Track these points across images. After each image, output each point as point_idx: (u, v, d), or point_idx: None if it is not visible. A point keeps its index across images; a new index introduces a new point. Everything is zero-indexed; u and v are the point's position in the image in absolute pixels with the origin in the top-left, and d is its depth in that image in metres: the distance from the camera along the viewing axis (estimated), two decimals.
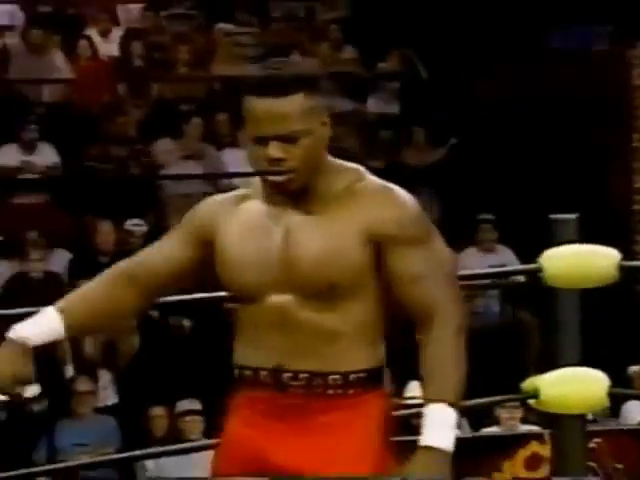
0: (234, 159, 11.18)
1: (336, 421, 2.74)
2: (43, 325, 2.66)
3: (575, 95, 10.35)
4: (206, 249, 2.72)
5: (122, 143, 10.95)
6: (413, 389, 9.59)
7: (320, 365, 2.73)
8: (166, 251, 2.75)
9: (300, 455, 2.73)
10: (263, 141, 2.52)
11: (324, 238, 2.65)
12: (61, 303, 2.65)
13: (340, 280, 2.68)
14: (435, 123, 11.87)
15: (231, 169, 11.34)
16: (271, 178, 2.58)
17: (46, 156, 10.45)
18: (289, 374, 2.70)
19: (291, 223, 2.67)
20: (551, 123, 10.39)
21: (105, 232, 10.09)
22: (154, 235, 9.95)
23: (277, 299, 2.66)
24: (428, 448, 2.59)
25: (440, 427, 2.65)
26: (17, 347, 2.66)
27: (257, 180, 2.73)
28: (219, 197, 2.83)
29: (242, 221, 2.71)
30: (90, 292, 2.73)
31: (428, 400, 2.65)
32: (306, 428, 2.73)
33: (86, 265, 10.09)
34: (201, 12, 12.59)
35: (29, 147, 10.41)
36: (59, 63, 11.44)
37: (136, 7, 12.52)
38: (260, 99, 2.53)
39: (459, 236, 9.59)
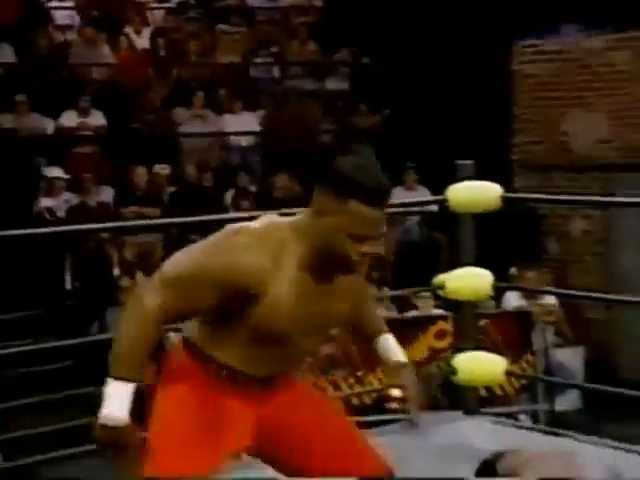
0: (230, 122, 11.25)
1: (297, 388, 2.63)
2: (127, 401, 2.36)
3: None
4: (240, 295, 2.39)
5: (151, 111, 10.79)
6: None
7: (299, 368, 2.74)
8: (197, 302, 2.41)
9: (284, 405, 2.61)
10: (362, 239, 2.32)
11: (347, 301, 2.52)
12: (130, 373, 2.34)
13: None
14: (374, 97, 11.62)
15: (228, 129, 11.31)
16: (361, 268, 2.43)
17: (96, 119, 10.37)
18: (273, 378, 2.57)
19: (328, 290, 2.46)
20: (453, 96, 10.37)
21: (139, 174, 9.97)
22: (174, 174, 10.05)
23: (301, 339, 2.48)
24: (405, 363, 2.76)
25: (396, 348, 2.82)
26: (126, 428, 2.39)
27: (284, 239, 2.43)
28: (258, 250, 2.39)
29: (291, 281, 2.40)
30: (141, 351, 2.37)
31: (380, 332, 2.79)
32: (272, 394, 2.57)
33: (126, 197, 10.01)
34: (207, 16, 12.32)
35: (84, 113, 10.28)
36: (106, 53, 11.31)
37: (161, 12, 12.40)
38: (372, 208, 2.31)
39: (390, 178, 9.61)
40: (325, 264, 2.41)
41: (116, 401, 2.33)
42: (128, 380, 2.32)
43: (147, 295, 2.37)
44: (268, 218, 2.52)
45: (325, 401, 2.88)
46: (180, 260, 2.42)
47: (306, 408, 2.69)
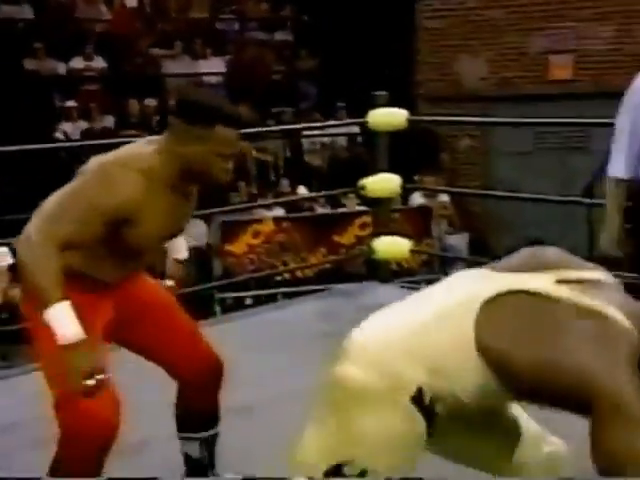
0: (203, 65, 11.01)
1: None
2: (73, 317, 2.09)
3: None
4: (119, 222, 2.21)
5: (140, 56, 10.55)
6: None
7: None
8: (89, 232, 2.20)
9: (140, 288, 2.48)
10: (228, 157, 2.23)
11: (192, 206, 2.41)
12: (60, 294, 2.08)
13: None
14: (312, 46, 11.54)
15: (200, 71, 11.08)
16: (220, 178, 2.27)
17: (98, 63, 10.17)
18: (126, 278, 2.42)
19: (184, 202, 2.36)
20: (373, 45, 10.19)
21: (133, 105, 9.87)
22: (159, 105, 10.25)
23: (158, 247, 2.44)
24: (180, 260, 2.75)
25: (180, 247, 2.74)
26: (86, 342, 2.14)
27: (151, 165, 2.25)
28: (132, 182, 2.20)
29: (160, 203, 2.24)
30: (58, 276, 2.06)
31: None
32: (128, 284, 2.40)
33: (123, 123, 9.81)
34: None
35: (89, 58, 10.08)
36: (103, 10, 11.06)
37: None
38: (234, 130, 2.21)
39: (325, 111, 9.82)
40: (189, 182, 2.30)
41: (65, 320, 2.07)
42: (62, 299, 2.06)
43: (41, 235, 2.10)
44: (136, 148, 2.30)
45: (162, 291, 2.62)
46: (66, 199, 2.17)
47: (149, 296, 2.52)
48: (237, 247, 8.51)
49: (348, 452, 1.90)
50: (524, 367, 1.84)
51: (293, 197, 8.94)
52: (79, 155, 8.73)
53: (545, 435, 2.19)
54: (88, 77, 10.10)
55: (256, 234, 8.50)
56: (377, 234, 4.86)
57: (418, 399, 1.84)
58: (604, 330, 1.83)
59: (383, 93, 4.57)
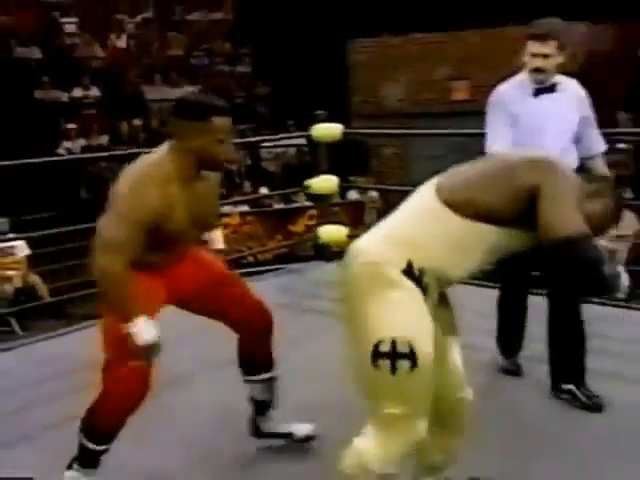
0: (178, 92, 10.40)
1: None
2: (152, 327, 2.17)
3: None
4: (156, 224, 2.14)
5: (128, 85, 10.52)
6: None
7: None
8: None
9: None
10: (227, 141, 2.13)
11: (214, 196, 2.36)
12: (137, 311, 2.15)
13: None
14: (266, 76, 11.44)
15: (178, 96, 10.84)
16: (227, 159, 2.19)
17: (94, 92, 10.16)
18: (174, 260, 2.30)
19: (202, 192, 2.25)
20: (315, 75, 10.09)
21: (123, 125, 9.90)
22: (144, 125, 9.86)
23: (191, 232, 2.25)
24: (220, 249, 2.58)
25: (217, 238, 2.58)
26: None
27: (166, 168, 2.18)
28: (156, 190, 2.14)
29: (181, 197, 2.18)
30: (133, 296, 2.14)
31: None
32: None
33: (116, 140, 9.72)
34: (162, 27, 11.95)
35: (87, 88, 10.06)
36: (98, 50, 11.01)
37: (132, 24, 11.83)
38: (228, 118, 2.14)
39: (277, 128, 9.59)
40: (199, 170, 2.20)
41: (143, 329, 2.11)
42: (139, 315, 2.12)
43: (109, 263, 2.10)
44: (149, 160, 2.21)
45: (215, 262, 2.48)
46: (113, 224, 2.13)
47: (205, 268, 2.40)
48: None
49: (376, 336, 1.84)
50: (493, 200, 1.82)
51: (255, 196, 8.87)
52: (80, 166, 8.78)
53: (464, 383, 2.15)
54: (86, 103, 10.01)
55: (225, 226, 8.14)
56: (322, 224, 4.80)
57: (408, 271, 1.82)
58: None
59: (323, 112, 4.51)
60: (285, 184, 8.30)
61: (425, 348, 1.81)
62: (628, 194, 7.67)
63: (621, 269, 1.87)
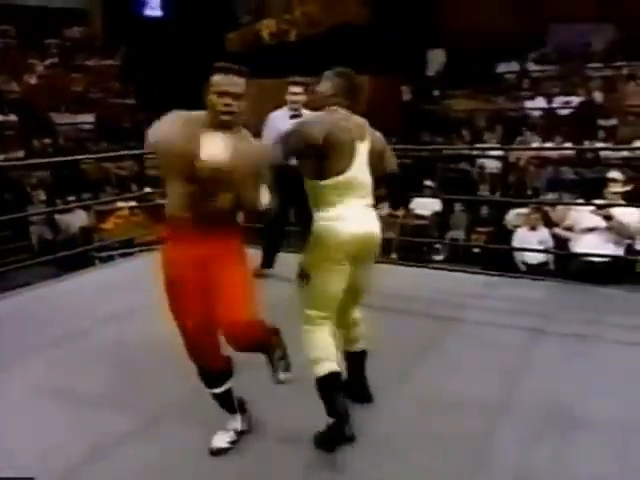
0: (80, 118, 10.70)
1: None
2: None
3: None
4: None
5: (40, 113, 10.21)
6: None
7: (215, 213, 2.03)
8: None
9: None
10: (222, 94, 1.95)
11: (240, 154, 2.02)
12: None
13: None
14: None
15: (78, 120, 10.71)
16: (223, 112, 1.96)
17: (12, 117, 9.90)
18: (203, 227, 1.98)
19: (227, 142, 2.01)
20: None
21: (35, 143, 9.57)
22: (52, 144, 9.73)
23: (213, 181, 1.98)
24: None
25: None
26: None
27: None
28: (190, 128, 1.97)
29: (207, 136, 1.98)
30: None
31: None
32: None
33: (30, 154, 9.33)
34: (64, 70, 11.27)
35: (6, 115, 9.80)
36: (15, 85, 10.57)
37: (41, 67, 11.08)
38: (224, 75, 1.95)
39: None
40: (216, 120, 1.99)
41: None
42: None
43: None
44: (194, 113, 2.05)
45: (239, 267, 2.05)
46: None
47: (225, 265, 2.01)
48: (107, 225, 8.48)
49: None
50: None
51: (140, 193, 8.06)
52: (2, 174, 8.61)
53: (358, 310, 2.38)
54: (6, 126, 9.78)
55: (118, 217, 8.49)
56: None
57: None
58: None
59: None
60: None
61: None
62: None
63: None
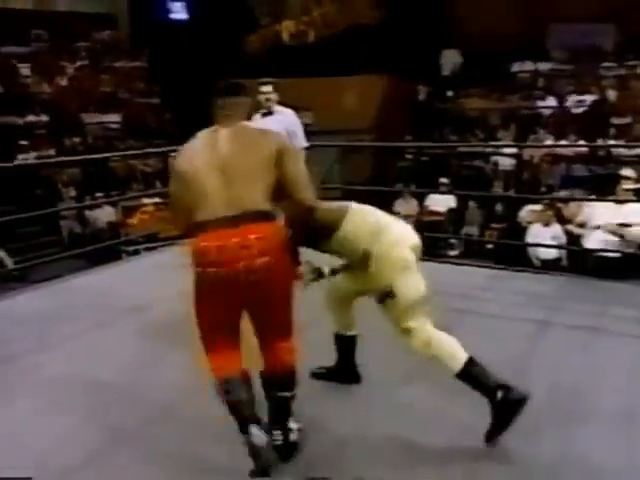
0: (108, 117, 10.76)
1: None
2: None
3: None
4: None
5: (70, 114, 10.34)
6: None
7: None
8: None
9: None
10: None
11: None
12: None
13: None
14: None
15: (106, 120, 10.82)
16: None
17: (44, 117, 10.04)
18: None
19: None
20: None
21: (66, 142, 9.72)
22: (81, 142, 9.86)
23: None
24: None
25: None
26: None
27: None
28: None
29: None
30: None
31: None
32: None
33: (60, 153, 9.46)
34: (93, 73, 11.42)
35: (38, 115, 9.99)
36: (46, 86, 10.74)
37: (72, 69, 11.28)
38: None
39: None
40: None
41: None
42: None
43: None
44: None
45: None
46: None
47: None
48: (133, 220, 8.60)
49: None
50: None
51: (164, 190, 7.88)
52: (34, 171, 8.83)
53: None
54: (38, 126, 9.90)
55: (143, 213, 8.60)
56: None
57: None
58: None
59: None
60: None
61: None
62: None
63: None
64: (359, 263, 2.20)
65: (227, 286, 1.79)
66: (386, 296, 2.13)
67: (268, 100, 3.84)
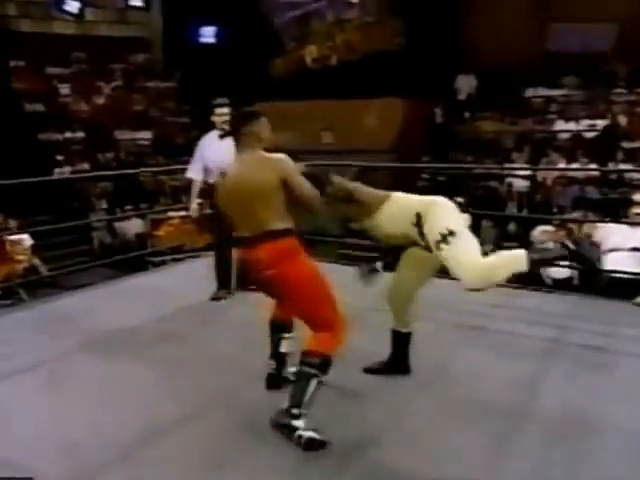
0: (140, 134, 10.95)
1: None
2: None
3: None
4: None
5: (104, 130, 10.48)
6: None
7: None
8: None
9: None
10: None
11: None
12: None
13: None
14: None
15: (138, 136, 10.96)
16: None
17: (80, 134, 10.28)
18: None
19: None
20: None
21: (100, 157, 9.86)
22: (114, 158, 10.00)
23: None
24: None
25: None
26: None
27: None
28: None
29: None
30: None
31: None
32: None
33: (94, 167, 9.60)
34: (127, 92, 11.57)
35: (75, 132, 10.25)
36: (84, 105, 11.01)
37: (108, 88, 11.59)
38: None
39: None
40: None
41: None
42: None
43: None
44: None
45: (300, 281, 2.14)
46: None
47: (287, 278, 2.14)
48: (160, 232, 8.59)
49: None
50: None
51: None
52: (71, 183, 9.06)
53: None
54: (74, 142, 10.11)
55: (170, 225, 8.55)
56: None
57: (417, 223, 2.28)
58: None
59: None
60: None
61: None
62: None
63: None
64: (406, 237, 2.28)
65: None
66: (443, 240, 2.17)
67: (224, 122, 3.73)
